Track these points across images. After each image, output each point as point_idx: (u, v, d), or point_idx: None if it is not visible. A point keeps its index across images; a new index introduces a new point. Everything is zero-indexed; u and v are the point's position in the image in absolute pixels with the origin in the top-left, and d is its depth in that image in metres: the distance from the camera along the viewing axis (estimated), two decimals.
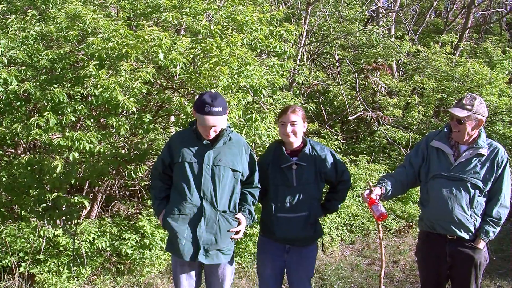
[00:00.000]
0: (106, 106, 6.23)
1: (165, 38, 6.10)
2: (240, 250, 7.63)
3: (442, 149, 4.66)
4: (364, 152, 13.03)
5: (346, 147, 13.43)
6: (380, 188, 4.66)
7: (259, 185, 4.66)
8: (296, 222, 4.66)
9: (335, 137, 11.66)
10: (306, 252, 4.82)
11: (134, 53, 6.01)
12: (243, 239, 7.62)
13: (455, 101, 4.70)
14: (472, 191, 4.51)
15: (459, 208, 4.51)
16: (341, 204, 5.16)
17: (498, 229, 4.57)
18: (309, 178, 4.68)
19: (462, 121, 4.49)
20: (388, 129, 13.48)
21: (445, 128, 4.75)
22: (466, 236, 4.54)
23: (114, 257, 7.21)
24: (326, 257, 8.32)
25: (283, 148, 4.71)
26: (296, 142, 4.71)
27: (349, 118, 13.32)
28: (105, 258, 7.12)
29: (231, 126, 4.65)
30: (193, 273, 4.56)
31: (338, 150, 10.32)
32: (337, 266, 7.95)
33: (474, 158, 4.54)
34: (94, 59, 6.09)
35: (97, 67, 5.97)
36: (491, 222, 4.53)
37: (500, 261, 8.52)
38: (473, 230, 4.54)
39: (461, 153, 4.58)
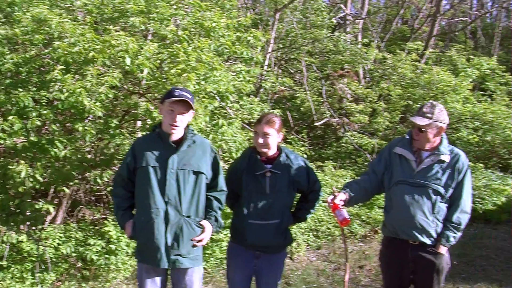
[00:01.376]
0: (72, 110, 6.19)
1: (132, 43, 6.08)
2: (206, 255, 7.61)
3: (404, 156, 4.73)
4: (331, 158, 13.10)
5: (313, 153, 13.47)
6: (344, 193, 4.72)
7: (224, 189, 4.66)
8: (268, 229, 4.68)
9: (302, 143, 11.72)
10: (276, 259, 4.86)
11: (101, 57, 5.98)
12: (209, 244, 7.61)
13: (416, 109, 4.78)
14: (434, 197, 4.58)
15: (421, 213, 4.58)
16: (311, 213, 5.19)
17: (459, 234, 4.65)
18: (282, 186, 4.70)
19: (423, 129, 4.56)
20: (354, 135, 13.58)
21: (407, 135, 4.83)
22: (428, 242, 4.61)
23: (79, 263, 7.13)
24: (292, 263, 8.35)
25: (258, 155, 4.72)
26: (269, 151, 4.72)
27: (315, 124, 13.39)
28: (70, 264, 7.05)
29: (194, 130, 4.64)
30: (158, 279, 4.51)
31: (305, 156, 10.36)
32: (303, 271, 7.99)
33: (436, 165, 4.61)
34: (60, 63, 6.05)
35: (63, 71, 5.93)
36: (451, 228, 4.60)
37: (464, 265, 8.66)
38: (434, 235, 4.61)
39: (423, 160, 4.66)
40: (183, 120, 4.36)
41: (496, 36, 25.66)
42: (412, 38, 21.49)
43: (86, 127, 6.02)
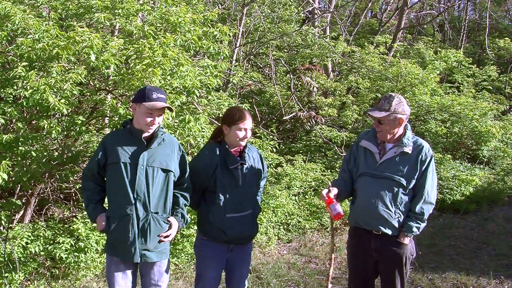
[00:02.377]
0: (38, 108, 6.13)
1: (97, 39, 6.03)
2: (177, 251, 7.61)
3: (369, 149, 4.80)
4: (301, 151, 13.14)
5: (283, 147, 13.52)
6: (337, 188, 4.80)
7: (190, 186, 4.71)
8: (244, 220, 4.78)
9: (271, 137, 11.75)
10: (247, 249, 5.01)
11: (65, 54, 5.91)
12: (180, 240, 7.61)
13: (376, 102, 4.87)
14: (396, 188, 4.66)
15: (383, 205, 4.65)
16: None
17: (423, 224, 4.73)
18: (251, 177, 4.84)
19: (382, 121, 4.63)
20: (323, 128, 13.64)
21: (373, 128, 4.89)
22: (390, 232, 4.69)
23: (48, 262, 7.07)
24: (263, 256, 8.37)
25: (228, 149, 4.77)
26: None
27: (284, 118, 13.43)
28: (39, 263, 6.97)
29: (163, 128, 4.69)
30: (128, 272, 4.55)
31: (274, 150, 10.39)
32: (274, 265, 8.00)
33: (398, 156, 4.69)
34: (24, 60, 5.98)
35: (27, 68, 5.87)
36: (414, 218, 4.68)
37: (433, 255, 8.79)
38: (397, 226, 4.69)
39: (386, 152, 4.72)
40: (160, 121, 4.50)
41: (463, 29, 25.95)
42: (380, 32, 21.68)
43: (51, 125, 5.96)
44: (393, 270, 4.77)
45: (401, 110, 4.63)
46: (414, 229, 4.67)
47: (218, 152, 4.77)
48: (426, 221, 4.76)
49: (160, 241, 4.49)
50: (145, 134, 4.45)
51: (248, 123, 4.69)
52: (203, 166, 4.78)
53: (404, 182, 4.65)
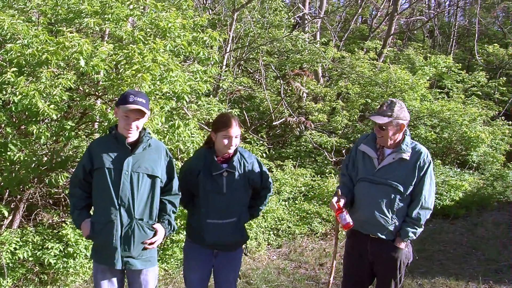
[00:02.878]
0: (27, 113, 6.11)
1: (86, 44, 6.02)
2: (167, 256, 7.59)
3: (367, 153, 4.83)
4: (291, 157, 13.15)
5: (273, 152, 13.52)
6: (345, 198, 4.82)
7: (178, 192, 4.68)
8: (226, 228, 4.72)
9: (261, 142, 11.76)
10: (234, 255, 4.93)
11: (55, 59, 5.90)
12: (169, 245, 7.59)
13: (377, 108, 4.88)
14: (393, 194, 4.68)
15: (379, 210, 4.68)
16: (263, 208, 5.25)
17: (420, 229, 4.76)
18: (239, 185, 4.75)
19: (384, 127, 4.63)
20: (313, 134, 13.65)
21: (372, 132, 4.90)
22: (386, 237, 4.74)
23: (37, 267, 7.03)
24: (253, 262, 8.35)
25: (214, 155, 4.72)
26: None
27: (274, 123, 13.43)
28: (28, 268, 6.93)
29: (150, 133, 4.66)
30: (114, 279, 4.53)
31: (264, 155, 10.38)
32: (264, 270, 7.99)
33: (396, 162, 4.71)
34: (13, 65, 5.96)
35: (16, 73, 5.85)
36: (410, 223, 4.71)
37: (423, 260, 8.78)
38: (393, 231, 4.73)
39: (385, 157, 4.75)
40: (138, 125, 4.39)
41: (452, 35, 26.07)
42: (370, 37, 21.74)
43: (40, 130, 5.94)
44: (387, 273, 4.82)
45: (403, 115, 4.67)
46: (410, 234, 4.71)
47: (204, 158, 4.76)
48: (423, 226, 4.80)
49: (144, 248, 4.46)
50: (131, 140, 4.41)
51: (233, 131, 4.60)
52: (188, 170, 4.79)
53: (401, 188, 4.67)
